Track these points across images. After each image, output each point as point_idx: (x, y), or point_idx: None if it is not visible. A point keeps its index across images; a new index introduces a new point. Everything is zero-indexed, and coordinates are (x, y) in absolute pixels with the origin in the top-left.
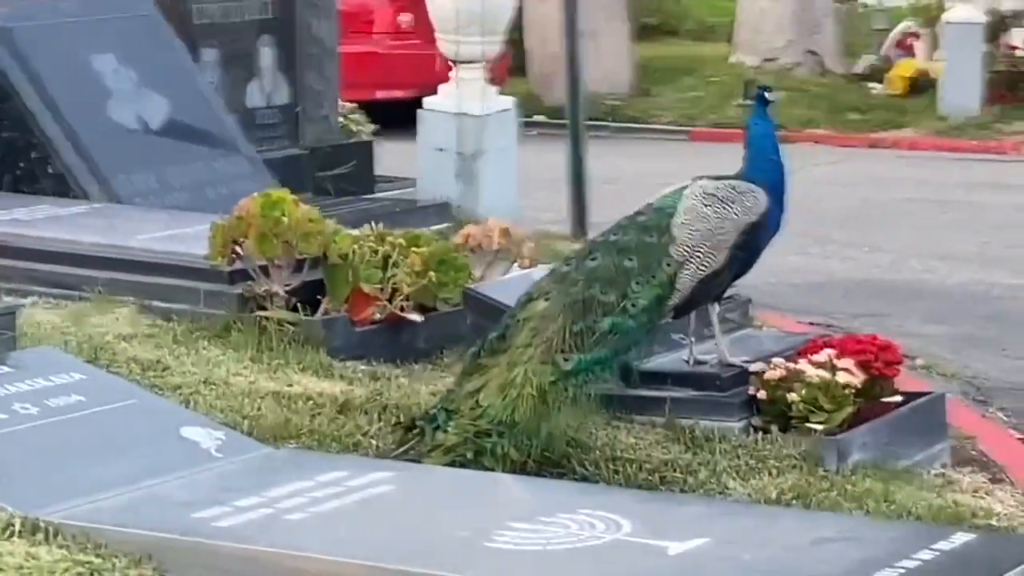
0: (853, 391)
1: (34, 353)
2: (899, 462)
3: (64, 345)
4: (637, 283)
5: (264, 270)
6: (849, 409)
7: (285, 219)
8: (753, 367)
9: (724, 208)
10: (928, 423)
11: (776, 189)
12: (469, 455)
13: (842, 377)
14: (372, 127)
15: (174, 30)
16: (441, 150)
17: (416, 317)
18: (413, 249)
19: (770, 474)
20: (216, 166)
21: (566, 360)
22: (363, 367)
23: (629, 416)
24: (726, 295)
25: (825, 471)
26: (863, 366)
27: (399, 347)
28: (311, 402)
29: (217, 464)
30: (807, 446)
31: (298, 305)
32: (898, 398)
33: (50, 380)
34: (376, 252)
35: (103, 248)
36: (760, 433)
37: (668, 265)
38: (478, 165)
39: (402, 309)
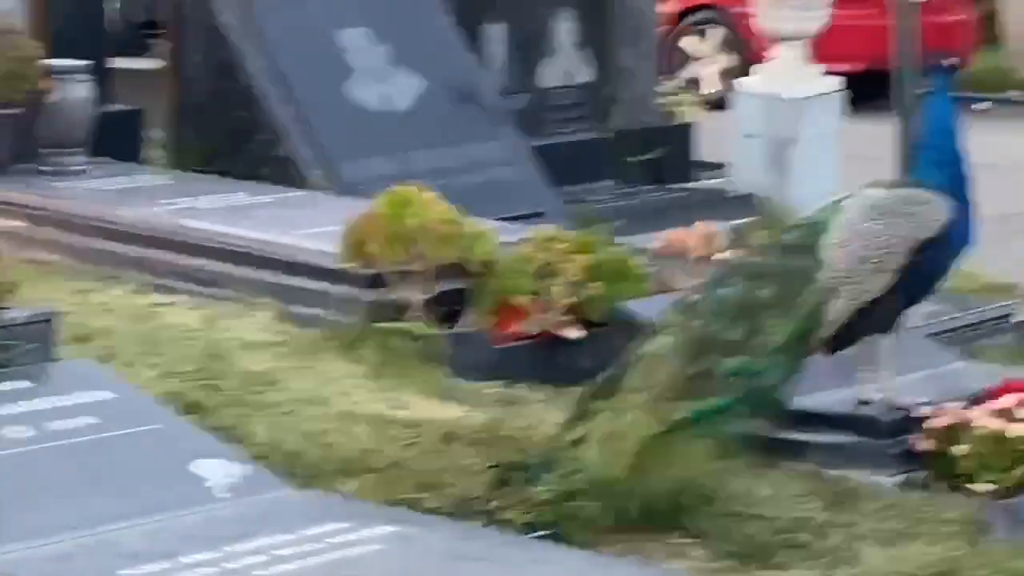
0: None
1: (65, 367)
2: None
3: (180, 354)
4: (773, 316)
5: (401, 276)
6: None
7: (414, 220)
8: (921, 412)
9: (889, 223)
10: None
11: (959, 192)
12: (550, 518)
13: (1017, 430)
14: (690, 110)
15: (451, 3)
16: (754, 136)
17: (574, 334)
18: (573, 256)
19: (919, 542)
20: (470, 151)
21: (675, 410)
22: (492, 391)
23: (774, 462)
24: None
25: (993, 542)
26: None
27: (555, 368)
28: (412, 430)
29: (211, 507)
30: (971, 511)
31: (438, 317)
32: None
33: (67, 400)
34: (530, 259)
35: (247, 243)
36: (921, 491)
37: (815, 293)
38: (791, 153)
39: (562, 324)
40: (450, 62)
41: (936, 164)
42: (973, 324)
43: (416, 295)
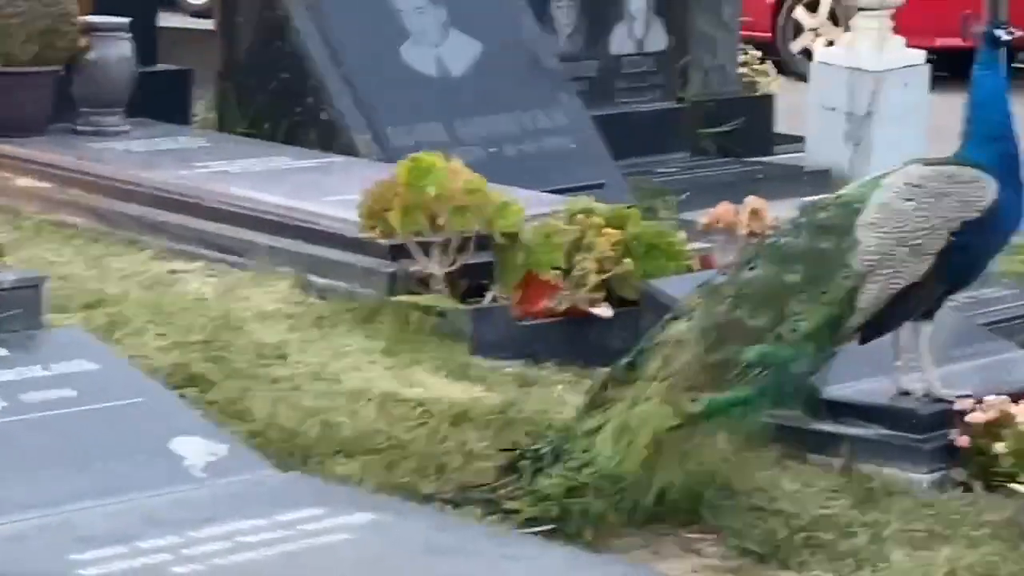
0: None
1: (51, 335)
2: None
3: (191, 323)
4: (800, 301)
5: (423, 247)
6: None
7: (433, 189)
8: (960, 406)
9: (931, 203)
10: None
11: (1008, 170)
12: (554, 513)
13: None
14: (777, 79)
15: None
16: (832, 109)
17: (604, 312)
18: (605, 230)
19: (952, 545)
20: (524, 120)
21: (693, 401)
22: (512, 370)
23: (804, 455)
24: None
25: None
26: None
27: (583, 347)
28: (421, 409)
29: (185, 487)
30: (1011, 512)
31: (461, 291)
32: None
33: (48, 369)
34: (560, 232)
35: (269, 209)
36: (959, 490)
37: (846, 277)
38: (871, 128)
39: (592, 302)
40: (510, 26)
41: (984, 140)
42: None
43: (438, 267)
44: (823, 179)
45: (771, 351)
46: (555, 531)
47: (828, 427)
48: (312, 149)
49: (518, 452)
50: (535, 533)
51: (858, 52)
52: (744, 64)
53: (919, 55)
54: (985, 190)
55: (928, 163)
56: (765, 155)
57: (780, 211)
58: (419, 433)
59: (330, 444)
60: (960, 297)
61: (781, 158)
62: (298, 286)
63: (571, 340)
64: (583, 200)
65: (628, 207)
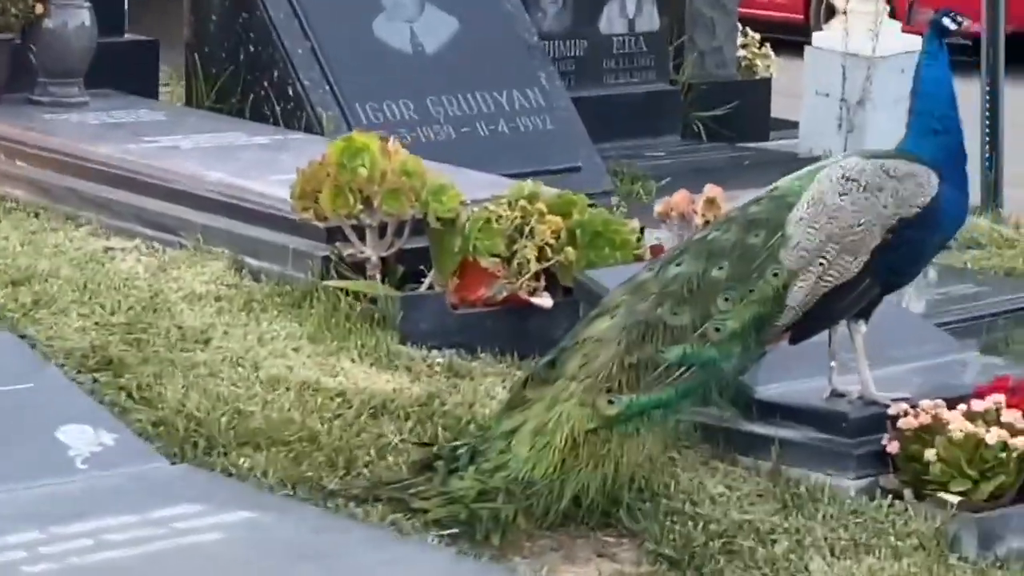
0: (1016, 454)
1: None
2: None
3: (117, 303)
4: (726, 299)
5: (358, 231)
6: (1005, 479)
7: (365, 171)
8: (893, 410)
9: (866, 198)
10: None
11: (952, 165)
12: (463, 516)
13: (995, 435)
14: (772, 64)
15: None
16: (827, 95)
17: (543, 301)
18: (548, 217)
19: (875, 555)
20: (501, 98)
21: (611, 402)
22: (443, 359)
23: (733, 456)
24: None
25: (960, 559)
26: None
27: (522, 337)
28: (341, 399)
29: (62, 479)
30: (939, 523)
31: (399, 277)
32: None
33: None
34: (499, 218)
35: (209, 187)
36: (889, 498)
37: (775, 275)
38: (864, 114)
39: (532, 291)
40: (489, 3)
41: (926, 134)
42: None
43: (373, 252)
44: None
45: (693, 352)
46: (463, 535)
47: (758, 428)
48: (277, 125)
49: (434, 450)
50: (444, 536)
51: (852, 37)
52: (744, 47)
53: (916, 41)
54: (924, 186)
55: (868, 155)
56: (761, 140)
57: None
58: (334, 425)
59: (238, 434)
60: (932, 293)
61: (774, 144)
62: (233, 268)
63: (509, 330)
64: (530, 185)
65: (575, 193)
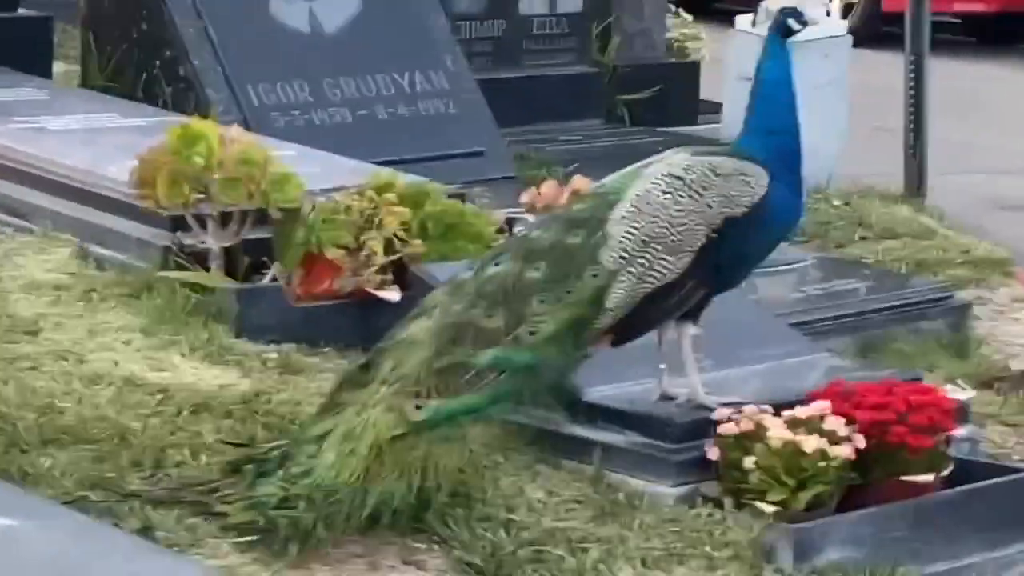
0: (836, 463)
1: None
2: (929, 567)
3: None
4: (542, 301)
5: (200, 220)
6: (823, 488)
7: (202, 159)
8: (717, 415)
9: (691, 196)
10: (1005, 513)
11: (785, 165)
12: (261, 522)
13: (811, 443)
14: (704, 46)
15: None
16: (747, 79)
17: (390, 295)
18: (396, 208)
19: (687, 566)
20: (402, 81)
21: (419, 408)
22: (276, 354)
23: (559, 460)
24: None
25: (775, 571)
26: (876, 428)
27: (370, 331)
28: (163, 395)
29: None
30: (757, 532)
31: (244, 268)
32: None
33: None
34: (348, 208)
35: (58, 171)
36: (709, 506)
37: (594, 276)
38: None
39: (379, 284)
40: None
41: (761, 133)
42: (898, 307)
43: (215, 242)
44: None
45: (505, 355)
46: (262, 541)
47: (584, 432)
48: (167, 106)
49: (246, 452)
50: (242, 542)
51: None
52: (674, 27)
53: (840, 25)
54: (752, 184)
55: (696, 152)
56: (689, 124)
57: None
58: (150, 423)
59: (45, 432)
60: (809, 289)
61: (697, 128)
62: (78, 256)
63: (355, 324)
64: (386, 173)
65: (430, 182)
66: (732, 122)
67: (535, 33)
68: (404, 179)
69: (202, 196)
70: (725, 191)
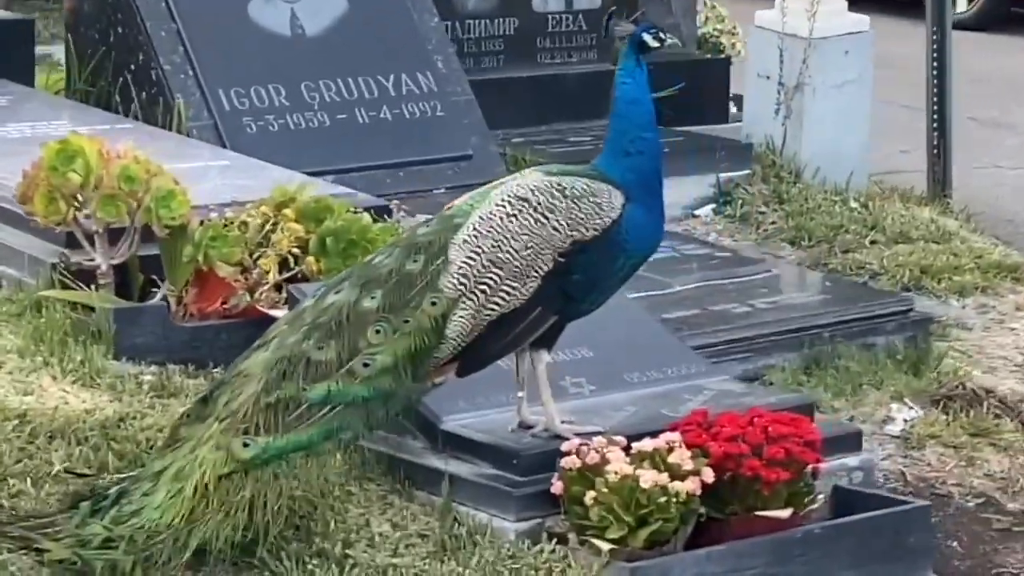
0: (680, 499)
1: None
2: None
3: None
4: (378, 331)
5: (88, 237)
6: (664, 524)
7: (76, 175)
8: (566, 447)
9: (535, 219)
10: (880, 545)
11: (643, 187)
12: (76, 565)
13: (652, 479)
14: (739, 41)
15: None
16: (767, 78)
17: (282, 314)
18: (290, 224)
19: None
20: (387, 83)
21: (246, 445)
22: (152, 376)
23: (411, 491)
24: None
25: None
26: (730, 461)
27: None
28: (20, 420)
29: None
30: (597, 570)
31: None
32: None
33: None
34: (243, 224)
35: None
36: (553, 542)
37: (434, 303)
38: (803, 99)
39: (272, 303)
40: None
41: (618, 154)
42: (851, 321)
43: (103, 259)
44: (741, 154)
45: (338, 389)
46: None
47: (435, 462)
48: (139, 112)
49: (89, 484)
50: None
51: (790, 16)
52: (707, 21)
53: (863, 20)
54: (604, 207)
55: (549, 172)
56: (719, 122)
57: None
58: (0, 449)
59: None
60: (757, 303)
61: (717, 128)
62: None
63: (246, 343)
64: (290, 188)
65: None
66: (751, 120)
67: (550, 31)
68: (310, 193)
69: (83, 213)
70: (573, 214)
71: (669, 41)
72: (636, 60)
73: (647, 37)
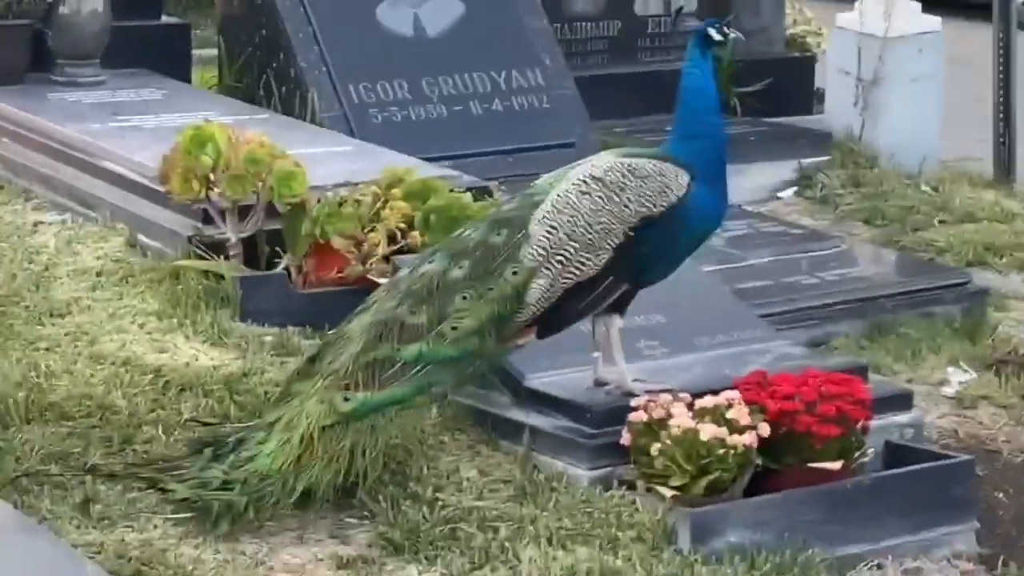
0: (736, 451)
1: None
2: (844, 549)
3: (11, 277)
4: (464, 297)
5: (220, 213)
6: (722, 474)
7: (208, 158)
8: (635, 403)
9: (607, 197)
10: (929, 497)
11: (710, 168)
12: (197, 504)
13: (711, 432)
14: (824, 41)
15: None
16: (847, 73)
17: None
18: (396, 203)
19: (591, 546)
20: (498, 79)
21: (346, 399)
22: (271, 337)
23: (497, 442)
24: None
25: (675, 552)
26: (785, 417)
27: None
28: (155, 375)
29: None
30: (661, 515)
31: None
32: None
33: None
34: (357, 203)
35: (119, 167)
36: (623, 489)
37: (515, 273)
38: (879, 94)
39: (381, 273)
40: None
41: (685, 138)
42: (912, 292)
43: (233, 233)
44: (822, 142)
45: (428, 351)
46: (196, 519)
47: (518, 416)
48: (279, 106)
49: (212, 433)
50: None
51: (867, 17)
52: (795, 23)
53: (934, 21)
54: (671, 185)
55: (620, 154)
56: (804, 114)
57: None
58: (135, 401)
59: (30, 409)
60: (827, 275)
61: (802, 119)
62: (127, 244)
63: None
64: (400, 170)
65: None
66: (833, 112)
67: (650, 32)
68: (417, 175)
69: (214, 191)
70: (642, 192)
71: (733, 35)
72: (702, 52)
73: (712, 31)
